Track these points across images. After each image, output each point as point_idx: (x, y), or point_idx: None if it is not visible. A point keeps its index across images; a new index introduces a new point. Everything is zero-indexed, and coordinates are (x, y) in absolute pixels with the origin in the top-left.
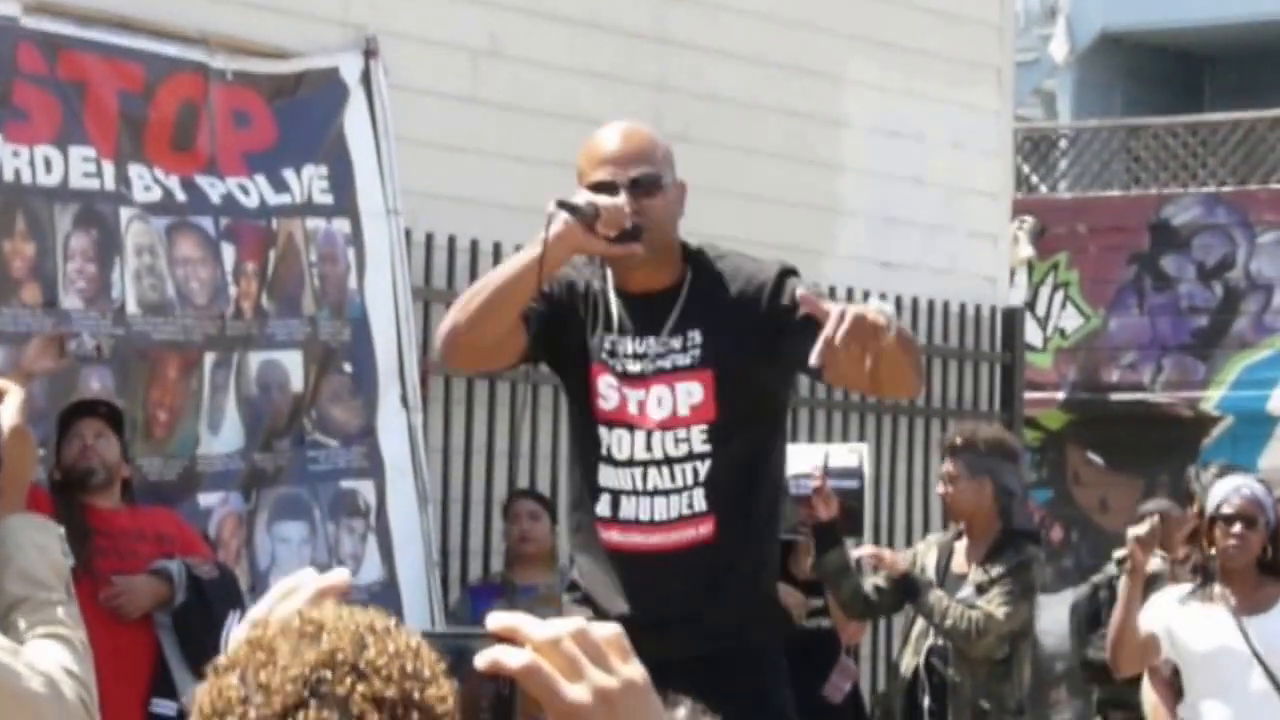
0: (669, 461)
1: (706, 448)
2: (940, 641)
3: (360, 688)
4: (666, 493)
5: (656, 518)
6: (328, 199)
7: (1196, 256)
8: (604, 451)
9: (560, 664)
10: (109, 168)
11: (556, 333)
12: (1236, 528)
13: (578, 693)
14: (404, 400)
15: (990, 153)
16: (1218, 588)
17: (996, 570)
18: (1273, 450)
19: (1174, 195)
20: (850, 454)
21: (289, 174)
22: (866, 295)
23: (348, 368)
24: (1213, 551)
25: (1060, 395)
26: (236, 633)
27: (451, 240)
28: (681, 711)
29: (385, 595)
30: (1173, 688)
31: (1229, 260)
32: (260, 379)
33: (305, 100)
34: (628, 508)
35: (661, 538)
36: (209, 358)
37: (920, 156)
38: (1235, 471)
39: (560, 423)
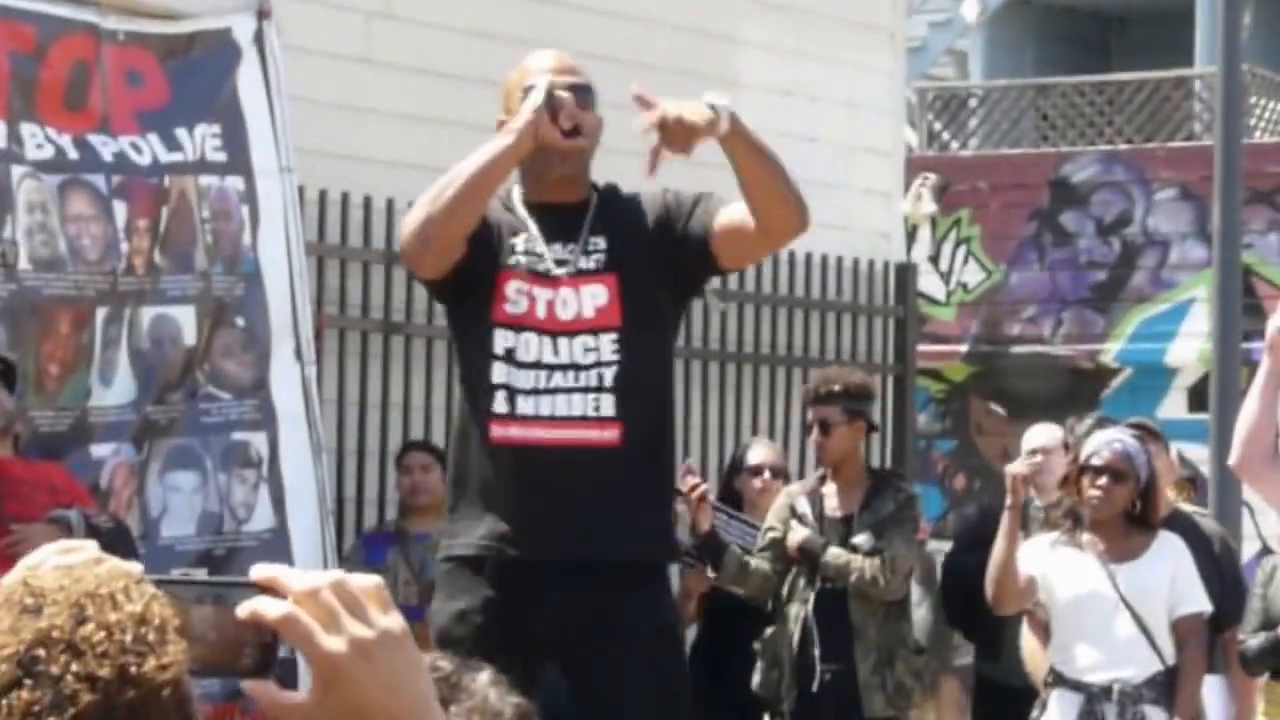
0: (575, 367)
1: (614, 356)
2: (828, 587)
3: (74, 666)
4: (569, 391)
5: (558, 414)
6: (221, 157)
7: (1095, 213)
8: (501, 353)
9: (318, 615)
10: (0, 126)
11: (471, 249)
12: (1103, 480)
13: (333, 643)
14: (298, 354)
15: (884, 111)
16: (1086, 535)
17: (887, 509)
18: (1170, 401)
19: (1073, 153)
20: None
21: (181, 133)
22: None
23: (240, 322)
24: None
25: (963, 348)
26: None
27: (344, 197)
28: (484, 675)
29: (276, 542)
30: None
31: (1127, 216)
32: (153, 333)
33: (198, 60)
34: (526, 405)
35: (562, 433)
36: (100, 312)
37: (814, 116)
38: (1111, 423)
39: (454, 376)
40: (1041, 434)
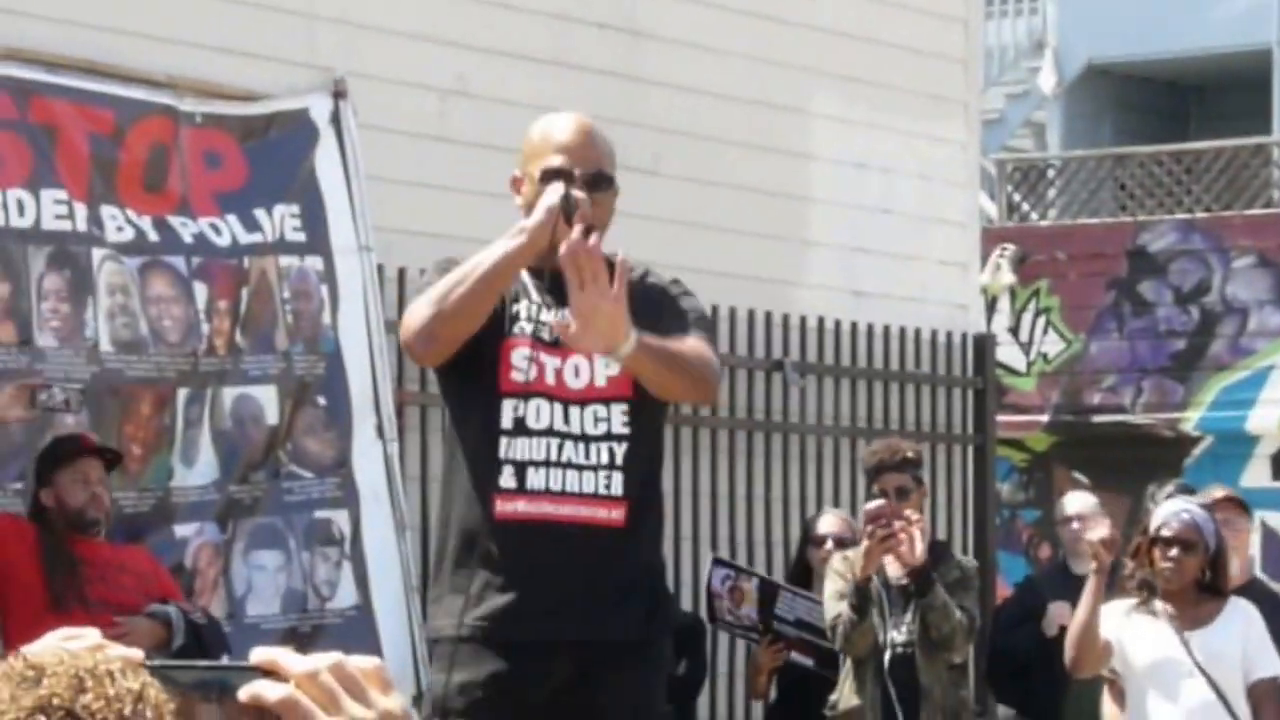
0: (585, 439)
1: (625, 430)
2: (900, 651)
3: None
4: (580, 468)
5: (569, 489)
6: (300, 237)
7: (1173, 281)
8: (510, 425)
9: (318, 697)
10: (81, 209)
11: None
12: (1173, 551)
13: None
14: (380, 431)
15: (958, 184)
16: (1159, 603)
17: (954, 575)
18: (1253, 469)
19: (1150, 222)
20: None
21: (260, 213)
22: (838, 323)
23: (322, 401)
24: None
25: (1044, 418)
26: None
27: (423, 275)
28: None
29: (360, 619)
30: None
31: (1205, 285)
32: (234, 413)
33: (276, 141)
34: (536, 478)
35: (572, 510)
36: (182, 393)
37: (888, 188)
38: (1186, 493)
39: None
40: (1077, 501)
